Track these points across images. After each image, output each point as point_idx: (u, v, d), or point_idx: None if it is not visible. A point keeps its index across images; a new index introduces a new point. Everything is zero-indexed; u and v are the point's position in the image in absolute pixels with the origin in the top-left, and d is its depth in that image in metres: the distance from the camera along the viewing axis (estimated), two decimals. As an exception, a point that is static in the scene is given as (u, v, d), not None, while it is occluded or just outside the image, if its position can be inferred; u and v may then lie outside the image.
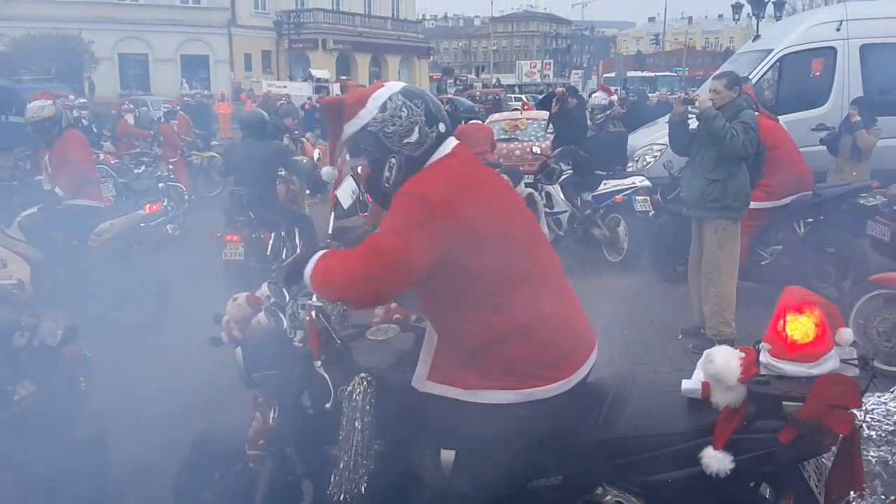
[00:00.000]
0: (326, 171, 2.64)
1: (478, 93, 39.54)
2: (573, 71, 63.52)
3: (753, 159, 5.56)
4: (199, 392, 4.73)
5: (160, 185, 9.26)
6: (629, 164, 9.37)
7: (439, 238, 2.20)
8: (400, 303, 2.83)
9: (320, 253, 2.39)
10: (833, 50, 10.23)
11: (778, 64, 10.50)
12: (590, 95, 10.67)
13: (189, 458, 2.92)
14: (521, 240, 2.37)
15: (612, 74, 46.09)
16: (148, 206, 6.67)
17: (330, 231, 2.75)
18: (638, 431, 2.31)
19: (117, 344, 5.54)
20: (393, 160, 2.35)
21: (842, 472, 2.20)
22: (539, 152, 10.41)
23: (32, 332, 2.97)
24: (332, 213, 2.75)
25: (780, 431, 2.11)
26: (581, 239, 8.53)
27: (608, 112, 8.56)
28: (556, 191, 8.75)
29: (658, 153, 9.77)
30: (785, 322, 2.16)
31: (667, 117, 10.69)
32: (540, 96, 22.57)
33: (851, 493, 2.15)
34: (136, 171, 11.28)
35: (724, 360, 2.17)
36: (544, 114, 12.52)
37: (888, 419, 2.25)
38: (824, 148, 8.86)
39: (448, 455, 2.41)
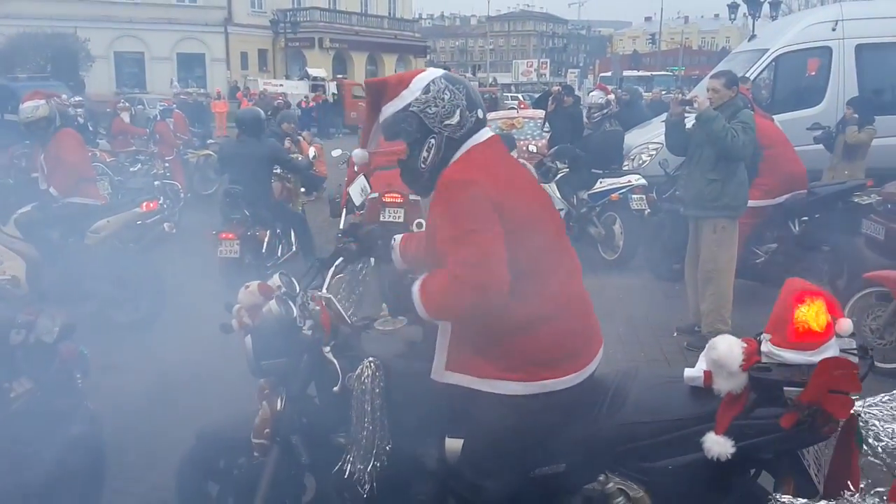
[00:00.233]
0: (358, 153, 2.67)
1: (474, 92, 39.37)
2: (569, 70, 63.33)
3: (750, 158, 5.58)
4: (195, 389, 4.75)
5: (156, 183, 9.24)
6: (625, 163, 9.39)
7: (496, 216, 2.24)
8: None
9: (417, 285, 2.34)
10: (829, 50, 10.26)
11: (774, 63, 10.54)
12: (588, 94, 10.68)
13: (192, 448, 2.93)
14: (550, 232, 2.42)
15: (609, 74, 46.16)
16: (145, 203, 6.67)
17: (342, 226, 2.79)
18: (641, 418, 2.35)
19: (113, 341, 5.54)
20: (432, 140, 2.39)
21: (841, 463, 2.24)
22: (535, 151, 10.43)
23: (29, 329, 2.96)
24: (344, 210, 2.79)
25: (781, 417, 2.15)
26: (577, 237, 8.53)
27: (605, 111, 8.57)
28: (552, 189, 8.75)
29: (654, 152, 9.79)
30: (792, 308, 2.20)
31: (662, 116, 10.75)
32: (536, 95, 22.55)
33: (849, 486, 2.18)
34: (131, 169, 11.28)
35: (727, 347, 2.22)
36: (540, 112, 12.51)
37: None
38: (819, 147, 8.90)
39: (453, 444, 2.46)
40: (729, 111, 5.40)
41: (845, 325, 2.25)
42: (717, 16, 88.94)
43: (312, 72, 37.77)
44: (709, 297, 5.61)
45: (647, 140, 10.31)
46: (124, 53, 40.34)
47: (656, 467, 2.32)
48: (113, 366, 5.05)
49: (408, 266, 2.88)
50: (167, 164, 11.45)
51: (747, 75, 9.66)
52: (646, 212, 7.98)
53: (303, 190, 8.78)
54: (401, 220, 6.21)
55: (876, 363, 4.92)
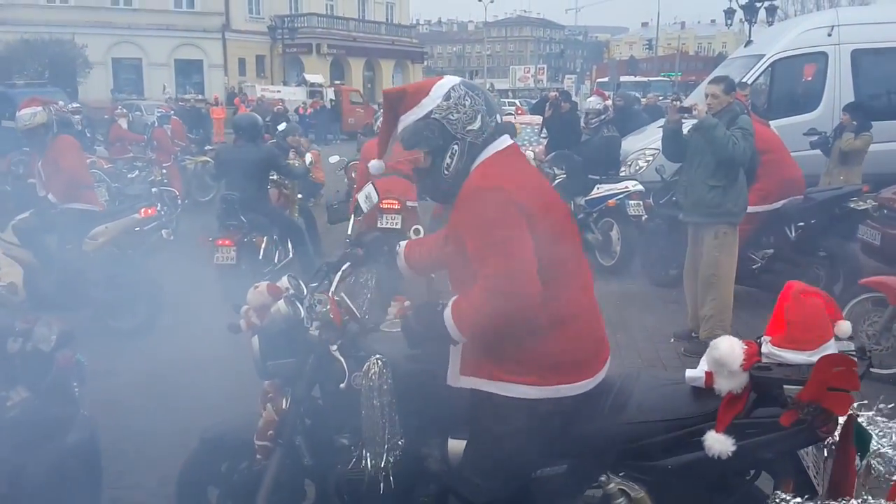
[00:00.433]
0: (374, 164, 2.69)
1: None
2: (566, 76, 63.36)
3: (748, 164, 5.59)
4: (192, 395, 4.74)
5: (153, 189, 9.23)
6: (622, 169, 9.40)
7: (524, 222, 2.25)
8: (406, 296, 2.89)
9: (449, 311, 2.34)
10: (825, 55, 10.29)
11: (770, 69, 10.56)
12: (585, 100, 10.71)
13: (194, 452, 2.94)
14: (569, 241, 2.44)
15: (606, 79, 46.12)
16: (143, 210, 6.66)
17: (349, 232, 2.81)
18: (642, 417, 2.38)
19: (110, 348, 5.54)
20: (455, 146, 2.39)
21: (840, 464, 2.27)
22: (533, 156, 10.43)
23: (26, 338, 2.96)
24: (353, 216, 2.81)
25: (782, 415, 2.18)
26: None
27: (603, 117, 8.59)
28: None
29: (651, 158, 9.80)
30: (792, 309, 2.25)
31: (658, 122, 10.77)
32: (534, 101, 22.60)
33: (847, 487, 2.22)
34: (129, 175, 11.28)
35: (728, 346, 2.26)
36: (538, 118, 12.56)
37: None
38: (816, 152, 8.92)
39: (456, 445, 2.49)
40: (727, 117, 5.41)
41: (844, 327, 2.30)
42: (713, 21, 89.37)
43: (310, 78, 37.79)
44: (710, 302, 5.60)
45: (643, 146, 10.32)
46: (122, 60, 40.39)
47: (657, 467, 2.35)
48: (110, 372, 5.05)
49: (413, 272, 2.93)
50: (165, 171, 11.43)
51: (745, 81, 9.68)
52: (643, 218, 7.99)
53: (300, 196, 8.76)
54: (398, 226, 6.20)
55: (873, 369, 4.93)
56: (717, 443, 2.21)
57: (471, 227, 2.29)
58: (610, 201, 8.13)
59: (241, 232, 6.94)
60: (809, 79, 10.53)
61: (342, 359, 2.53)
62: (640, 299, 7.24)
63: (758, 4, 24.84)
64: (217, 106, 25.67)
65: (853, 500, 2.18)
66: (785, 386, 2.25)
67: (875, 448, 2.29)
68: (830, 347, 2.23)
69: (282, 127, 12.54)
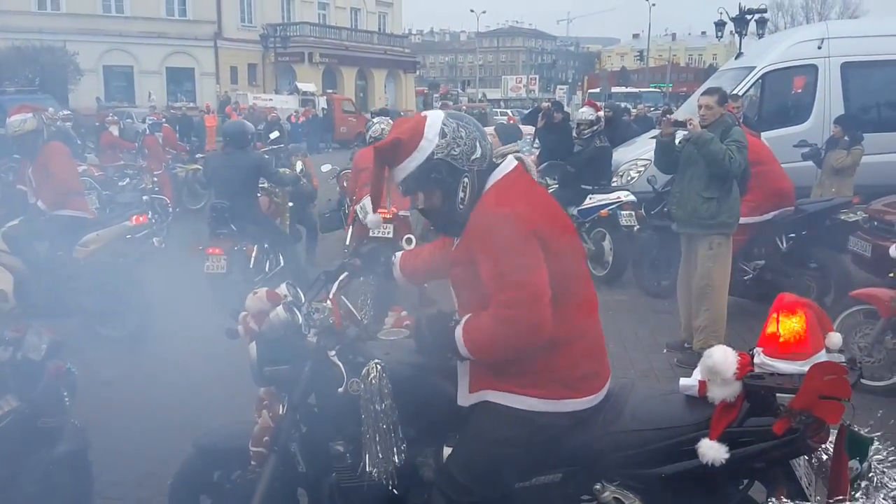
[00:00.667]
0: (372, 219, 2.69)
1: (464, 107, 39.68)
2: (558, 86, 63.58)
3: (741, 175, 5.61)
4: (183, 404, 4.71)
5: (144, 197, 9.21)
6: (614, 180, 9.43)
7: (540, 247, 2.26)
8: (404, 307, 2.91)
9: (460, 330, 2.35)
10: (815, 67, 10.36)
11: (760, 81, 10.62)
12: (576, 110, 10.74)
13: (187, 460, 2.93)
14: (578, 259, 2.47)
15: (598, 90, 46.29)
16: (134, 217, 6.64)
17: (348, 242, 2.82)
18: (637, 426, 2.40)
19: (101, 355, 5.50)
20: (465, 179, 2.37)
21: (834, 472, 2.30)
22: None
23: (16, 346, 2.93)
24: (352, 228, 2.81)
25: (774, 423, 2.21)
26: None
27: (595, 127, 8.61)
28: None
29: (642, 168, 9.83)
30: (784, 320, 2.28)
31: (649, 133, 10.81)
32: (525, 111, 22.68)
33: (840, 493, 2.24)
34: (120, 183, 11.22)
35: (722, 354, 2.29)
36: (530, 128, 12.57)
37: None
38: (806, 164, 8.95)
39: (449, 452, 2.50)
40: (720, 129, 5.43)
41: (835, 338, 2.34)
42: (704, 33, 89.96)
43: (302, 86, 37.82)
44: (703, 313, 5.61)
45: (635, 156, 10.36)
46: (113, 67, 40.26)
47: (651, 476, 2.36)
48: (101, 381, 5.01)
49: (408, 281, 2.98)
50: (156, 179, 11.40)
51: (736, 92, 9.74)
52: (635, 228, 8.00)
53: (291, 204, 8.73)
54: (390, 235, 6.20)
55: (865, 381, 4.94)
56: (711, 450, 2.23)
57: (485, 253, 2.28)
58: (602, 212, 8.14)
59: (232, 240, 6.91)
60: (799, 91, 10.60)
61: (340, 364, 2.53)
62: (633, 309, 7.24)
63: (748, 17, 24.98)
64: (209, 114, 25.61)
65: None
66: (778, 395, 2.28)
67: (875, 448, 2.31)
68: (821, 358, 2.26)
69: (273, 135, 12.56)
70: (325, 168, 9.64)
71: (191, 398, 4.83)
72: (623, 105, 20.25)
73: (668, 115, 7.48)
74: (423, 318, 2.54)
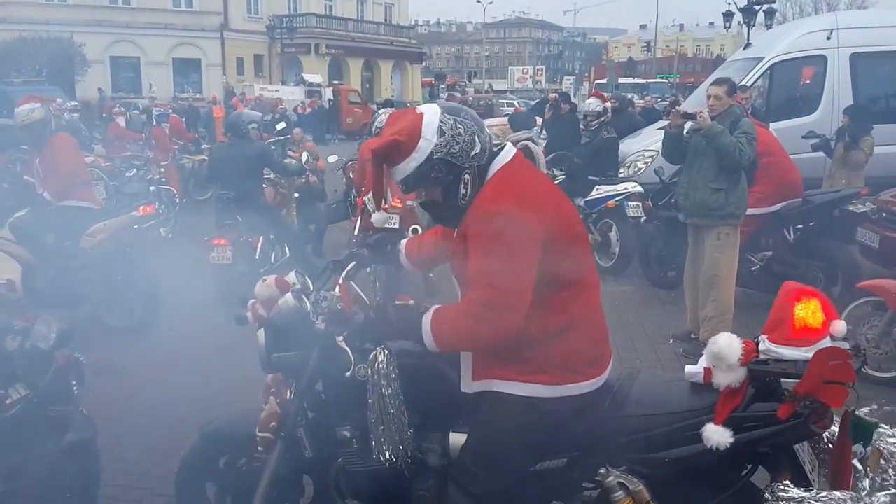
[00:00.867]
0: (378, 217, 2.71)
1: (470, 98, 39.68)
2: (565, 77, 63.43)
3: (749, 166, 5.60)
4: (190, 393, 4.73)
5: (151, 188, 9.23)
6: (621, 170, 9.41)
7: (538, 245, 2.26)
8: (404, 290, 2.94)
9: (428, 318, 2.36)
10: (823, 58, 10.29)
11: (769, 72, 10.55)
12: (583, 101, 10.70)
13: (194, 446, 2.96)
14: (581, 246, 2.47)
15: (605, 81, 46.15)
16: (142, 207, 6.65)
17: (356, 232, 2.83)
18: (642, 411, 2.43)
19: (108, 345, 5.52)
20: (466, 176, 2.36)
21: (837, 458, 2.33)
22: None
23: (25, 336, 2.95)
24: (360, 218, 2.82)
25: (779, 408, 2.24)
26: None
27: (602, 118, 8.59)
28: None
29: (649, 159, 9.79)
30: (789, 307, 2.31)
31: (656, 124, 10.76)
32: (533, 102, 22.60)
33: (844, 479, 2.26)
34: (127, 173, 11.26)
35: (727, 341, 2.32)
36: (538, 119, 12.51)
37: None
38: (815, 155, 8.91)
39: (457, 438, 2.53)
40: (728, 120, 5.41)
41: (839, 326, 2.34)
42: (711, 24, 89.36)
43: (308, 77, 37.75)
44: (711, 303, 5.61)
45: (642, 147, 10.32)
46: (120, 58, 40.30)
47: (656, 460, 2.38)
48: (107, 370, 5.03)
49: (414, 268, 3.03)
50: (162, 169, 11.42)
51: (744, 83, 9.69)
52: (642, 219, 8.00)
53: (297, 195, 8.74)
54: (396, 225, 6.21)
55: (872, 372, 4.94)
56: (716, 434, 2.26)
57: (474, 248, 2.29)
58: (609, 202, 8.13)
59: (237, 231, 6.93)
60: (808, 82, 10.53)
61: (348, 349, 2.54)
62: (639, 300, 7.24)
63: (756, 7, 24.87)
64: (217, 105, 25.61)
65: (849, 493, 2.21)
66: (782, 381, 2.31)
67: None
68: (826, 345, 2.27)
69: (280, 126, 12.54)
70: (332, 159, 9.64)
71: (197, 387, 4.85)
72: (630, 96, 20.12)
73: (676, 107, 7.44)
74: (390, 303, 2.56)
